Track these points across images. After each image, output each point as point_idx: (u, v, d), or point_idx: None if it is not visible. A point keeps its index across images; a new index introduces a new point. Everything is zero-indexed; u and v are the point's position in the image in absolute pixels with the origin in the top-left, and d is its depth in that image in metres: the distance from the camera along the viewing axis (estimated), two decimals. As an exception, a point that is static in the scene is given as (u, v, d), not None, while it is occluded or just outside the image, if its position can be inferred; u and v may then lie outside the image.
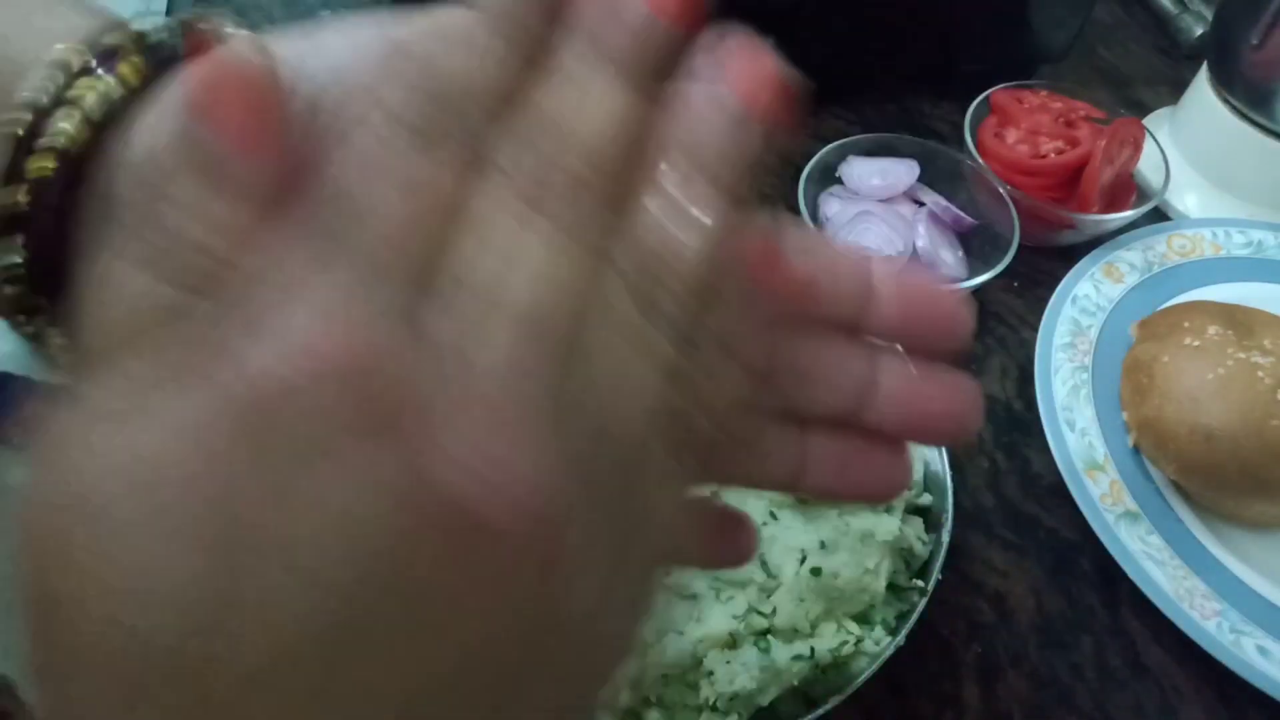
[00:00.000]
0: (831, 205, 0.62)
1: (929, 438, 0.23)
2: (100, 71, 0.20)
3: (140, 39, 0.21)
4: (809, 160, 0.60)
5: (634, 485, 0.15)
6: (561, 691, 0.15)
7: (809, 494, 0.22)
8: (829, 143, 0.62)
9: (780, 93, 0.18)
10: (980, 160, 0.62)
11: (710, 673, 0.40)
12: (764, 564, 0.41)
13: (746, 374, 0.18)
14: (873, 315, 0.21)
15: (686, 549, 0.20)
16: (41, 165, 0.19)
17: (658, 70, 0.17)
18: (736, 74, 0.18)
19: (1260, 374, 0.50)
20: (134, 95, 0.20)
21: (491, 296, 0.14)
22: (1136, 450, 0.53)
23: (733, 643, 0.40)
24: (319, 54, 0.18)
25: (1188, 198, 0.68)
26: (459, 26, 0.15)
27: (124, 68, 0.20)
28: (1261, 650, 0.47)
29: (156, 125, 0.19)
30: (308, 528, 0.12)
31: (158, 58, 0.21)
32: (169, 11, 0.71)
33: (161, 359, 0.13)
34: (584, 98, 0.16)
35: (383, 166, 0.14)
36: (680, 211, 0.16)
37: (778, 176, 0.67)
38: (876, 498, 0.22)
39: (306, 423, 0.12)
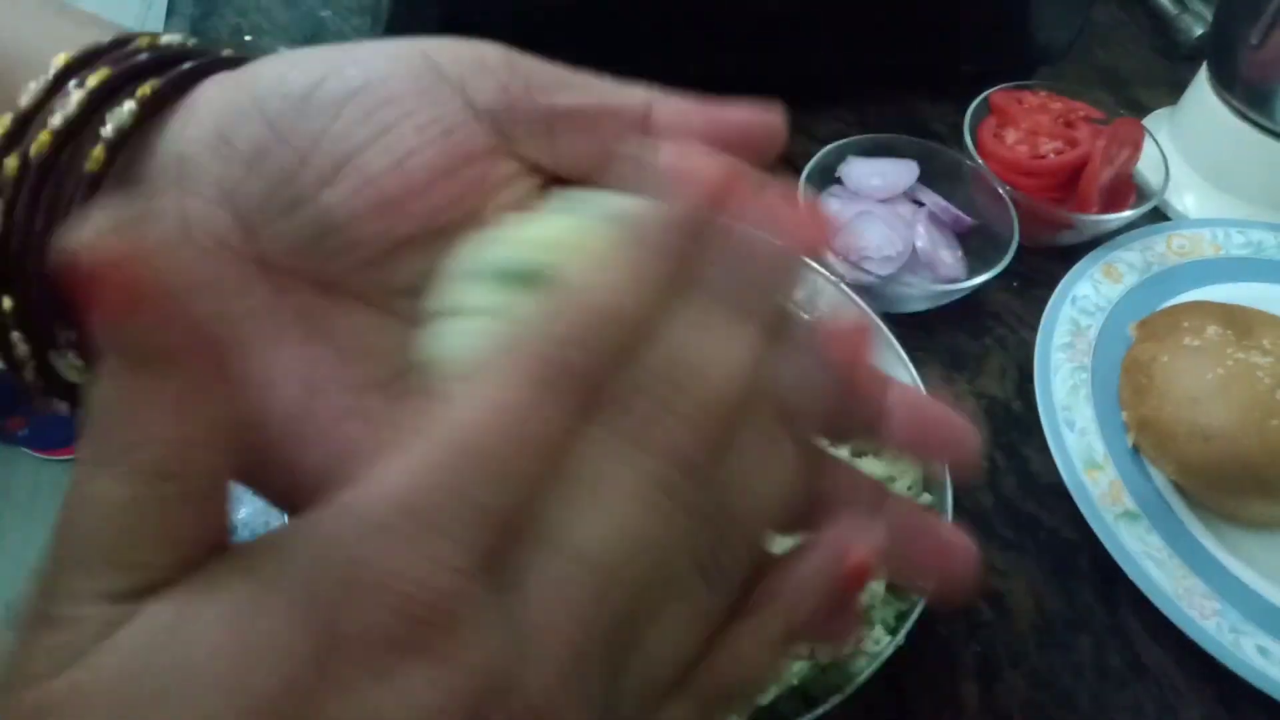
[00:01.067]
0: (831, 205, 0.62)
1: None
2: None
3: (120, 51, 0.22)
4: (809, 160, 0.60)
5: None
6: None
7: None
8: (829, 143, 0.62)
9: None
10: (980, 160, 0.62)
11: (710, 672, 0.40)
12: (764, 564, 0.42)
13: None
14: (884, 433, 0.22)
15: None
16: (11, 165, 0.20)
17: (782, 320, 0.18)
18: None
19: (1259, 374, 0.50)
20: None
21: (582, 561, 0.15)
22: (1136, 450, 0.53)
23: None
24: (355, 62, 0.20)
25: (1187, 198, 0.68)
26: (613, 248, 0.17)
27: (92, 79, 0.21)
28: (1261, 650, 0.47)
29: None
30: None
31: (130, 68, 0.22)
32: (169, 13, 0.71)
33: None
34: (717, 350, 0.17)
35: (508, 428, 0.15)
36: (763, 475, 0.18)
37: (778, 177, 0.67)
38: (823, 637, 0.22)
39: (381, 649, 0.14)
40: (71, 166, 0.20)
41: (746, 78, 0.71)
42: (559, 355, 0.15)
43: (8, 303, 0.20)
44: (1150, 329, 0.56)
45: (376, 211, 0.20)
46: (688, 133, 0.22)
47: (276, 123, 0.20)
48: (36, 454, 1.48)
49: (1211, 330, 0.52)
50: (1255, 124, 0.64)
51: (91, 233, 0.13)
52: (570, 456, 0.15)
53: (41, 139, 0.20)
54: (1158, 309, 0.59)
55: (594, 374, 0.15)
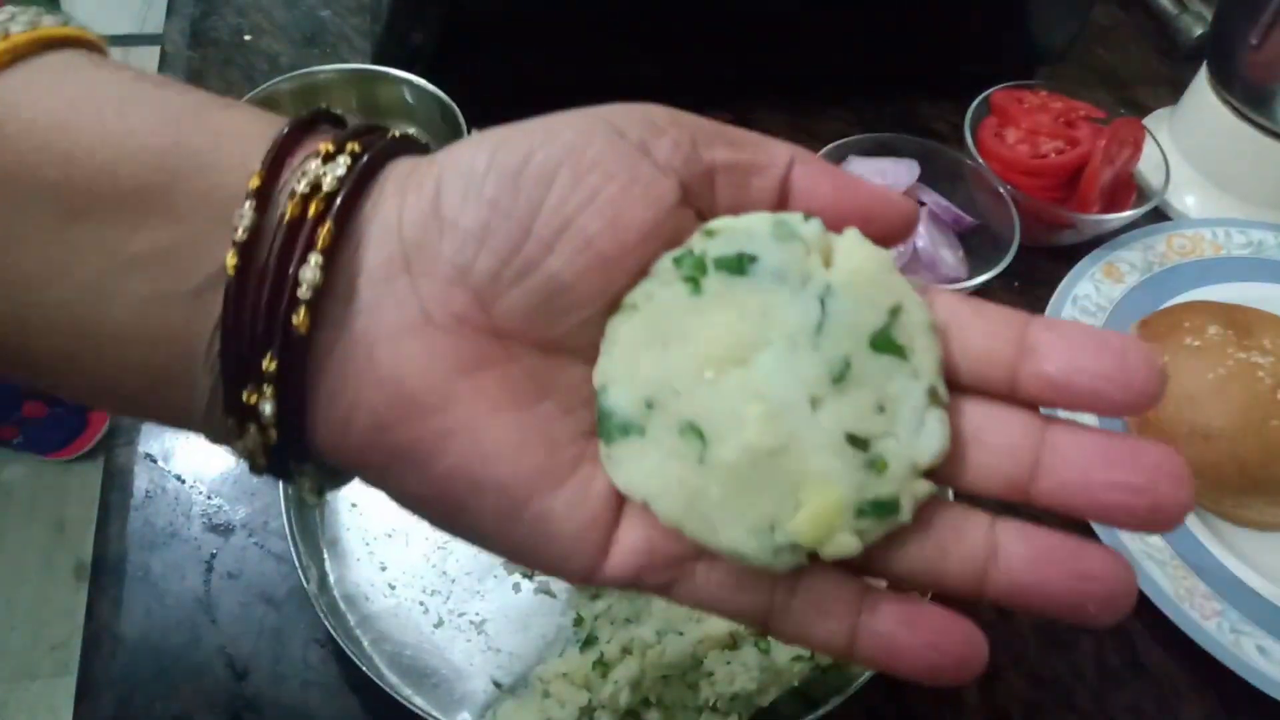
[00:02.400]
0: (831, 205, 0.62)
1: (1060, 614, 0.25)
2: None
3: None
4: (809, 160, 0.60)
5: None
6: None
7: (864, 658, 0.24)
8: (829, 142, 0.62)
9: None
10: (980, 160, 0.62)
11: (710, 673, 0.40)
12: (764, 564, 0.42)
13: None
14: (1028, 376, 0.23)
15: None
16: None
17: None
18: None
19: (1260, 374, 0.50)
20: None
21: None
22: (1136, 450, 0.53)
23: (733, 643, 0.41)
24: (551, 135, 0.23)
25: (1187, 198, 0.68)
26: None
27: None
28: (1261, 650, 0.47)
29: None
30: None
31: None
32: (169, 13, 0.71)
33: None
34: None
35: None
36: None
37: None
38: (939, 674, 0.23)
39: None
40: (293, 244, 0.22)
41: (748, 77, 0.71)
42: None
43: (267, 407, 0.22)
44: (1151, 329, 0.56)
45: (597, 271, 0.23)
46: (818, 197, 0.25)
47: (498, 200, 0.23)
48: (35, 456, 1.48)
49: (1212, 330, 0.52)
50: (1255, 124, 0.64)
51: None
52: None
53: (290, 209, 0.22)
54: (1158, 309, 0.59)
55: None
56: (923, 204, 0.62)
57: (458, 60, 0.63)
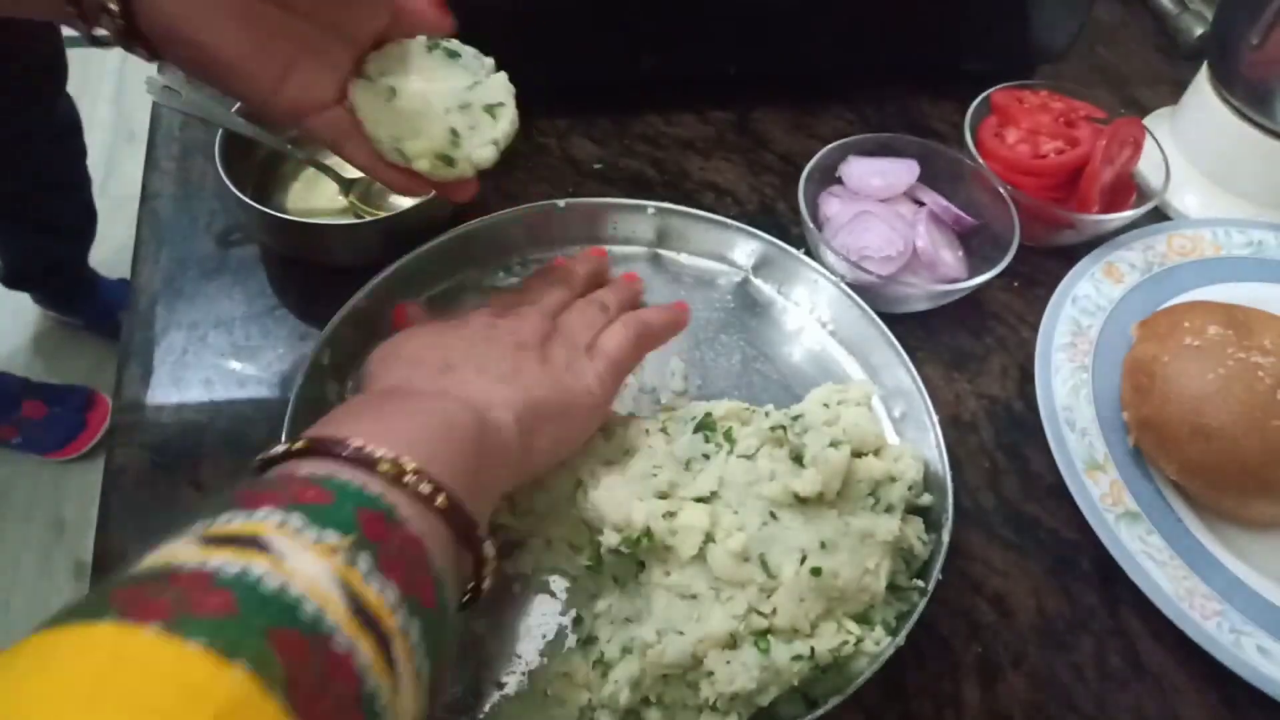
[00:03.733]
0: (831, 205, 0.62)
1: None
2: None
3: None
4: (809, 160, 0.60)
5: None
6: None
7: None
8: (829, 143, 0.62)
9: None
10: (980, 160, 0.62)
11: (710, 673, 0.40)
12: (764, 564, 0.41)
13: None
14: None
15: None
16: None
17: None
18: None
19: (1260, 374, 0.50)
20: None
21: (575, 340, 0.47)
22: (1137, 450, 0.53)
23: (733, 643, 0.40)
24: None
25: (1188, 198, 0.68)
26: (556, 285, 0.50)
27: None
28: (1262, 650, 0.47)
29: None
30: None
31: None
32: None
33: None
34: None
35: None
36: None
37: (778, 177, 0.67)
38: None
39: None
40: None
41: (748, 76, 0.71)
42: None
43: None
44: (1151, 329, 0.56)
45: None
46: None
47: None
48: (35, 456, 1.48)
49: (1212, 330, 0.52)
50: (1255, 124, 0.64)
51: None
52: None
53: None
54: (1159, 309, 0.59)
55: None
56: (922, 204, 0.62)
57: (458, 60, 0.63)
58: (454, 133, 0.47)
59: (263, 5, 0.38)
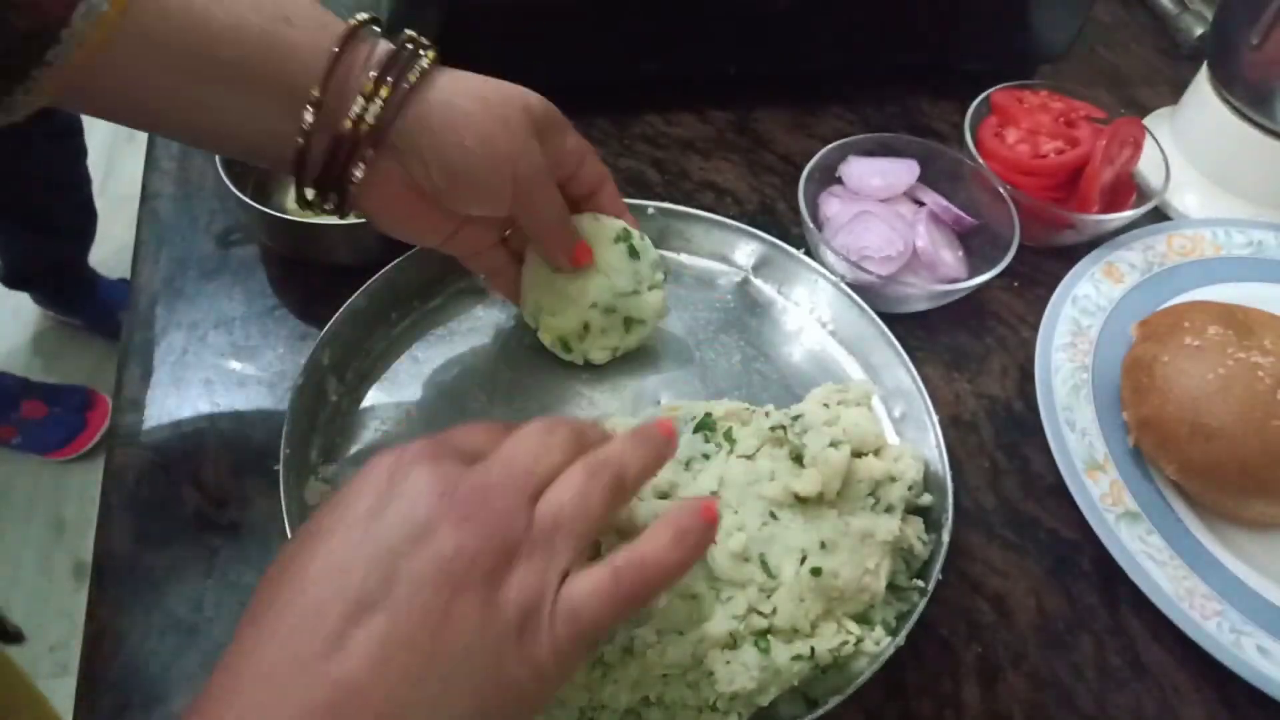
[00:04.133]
0: (831, 205, 0.62)
1: None
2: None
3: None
4: (809, 160, 0.60)
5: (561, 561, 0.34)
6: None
7: None
8: (829, 143, 0.62)
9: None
10: (980, 160, 0.62)
11: (710, 673, 0.40)
12: (764, 564, 0.41)
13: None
14: None
15: None
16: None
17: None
18: None
19: (1260, 374, 0.50)
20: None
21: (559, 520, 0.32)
22: (1136, 450, 0.53)
23: (733, 643, 0.40)
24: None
25: (1188, 198, 0.68)
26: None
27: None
28: (1261, 650, 0.47)
29: None
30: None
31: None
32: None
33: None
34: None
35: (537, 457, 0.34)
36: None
37: (778, 177, 0.67)
38: None
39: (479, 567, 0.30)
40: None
41: (749, 77, 0.71)
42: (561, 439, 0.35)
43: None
44: (1151, 329, 0.56)
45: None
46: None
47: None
48: (35, 456, 1.48)
49: (1212, 330, 0.52)
50: (1255, 124, 0.64)
51: None
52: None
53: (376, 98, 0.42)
54: (1158, 309, 0.59)
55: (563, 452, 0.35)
56: (922, 204, 0.62)
57: (458, 59, 0.63)
58: (586, 326, 0.50)
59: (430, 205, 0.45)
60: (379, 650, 0.27)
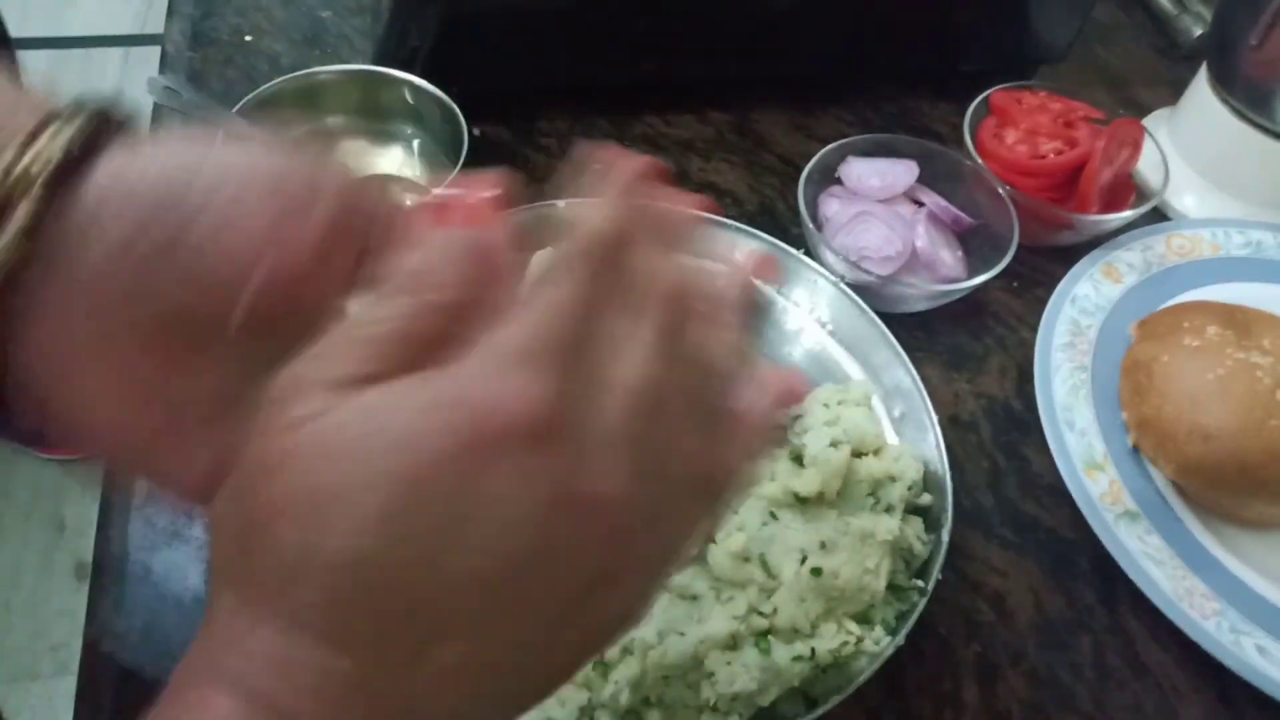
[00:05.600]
0: (831, 205, 0.62)
1: None
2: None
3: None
4: (809, 160, 0.60)
5: (682, 515, 0.24)
6: (588, 642, 0.23)
7: None
8: (829, 143, 0.62)
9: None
10: (979, 160, 0.62)
11: (711, 673, 0.40)
12: (764, 564, 0.42)
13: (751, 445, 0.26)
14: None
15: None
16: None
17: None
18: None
19: (1259, 374, 0.50)
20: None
21: (632, 389, 0.22)
22: (1136, 450, 0.53)
23: (733, 643, 0.41)
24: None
25: (1187, 198, 0.68)
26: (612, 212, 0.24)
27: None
28: (1261, 650, 0.47)
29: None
30: (509, 497, 0.20)
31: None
32: (170, 13, 0.71)
33: (423, 375, 0.20)
34: (668, 267, 0.25)
35: (585, 303, 0.22)
36: (718, 343, 0.25)
37: (778, 177, 0.67)
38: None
39: (520, 437, 0.20)
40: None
41: (748, 77, 0.72)
42: (593, 259, 0.23)
43: None
44: (1150, 329, 0.56)
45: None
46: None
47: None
48: (37, 454, 1.48)
49: (1211, 330, 0.52)
50: (1255, 124, 0.64)
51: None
52: (604, 328, 0.22)
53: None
54: (1158, 309, 0.59)
55: (611, 275, 0.23)
56: (922, 204, 0.62)
57: (458, 60, 0.63)
58: None
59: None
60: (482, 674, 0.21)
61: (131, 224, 0.24)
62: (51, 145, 0.24)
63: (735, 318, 0.27)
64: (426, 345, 0.21)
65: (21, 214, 0.23)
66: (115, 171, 0.24)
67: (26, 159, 0.23)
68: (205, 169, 0.25)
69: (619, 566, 0.22)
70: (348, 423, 0.20)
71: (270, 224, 0.24)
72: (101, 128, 0.25)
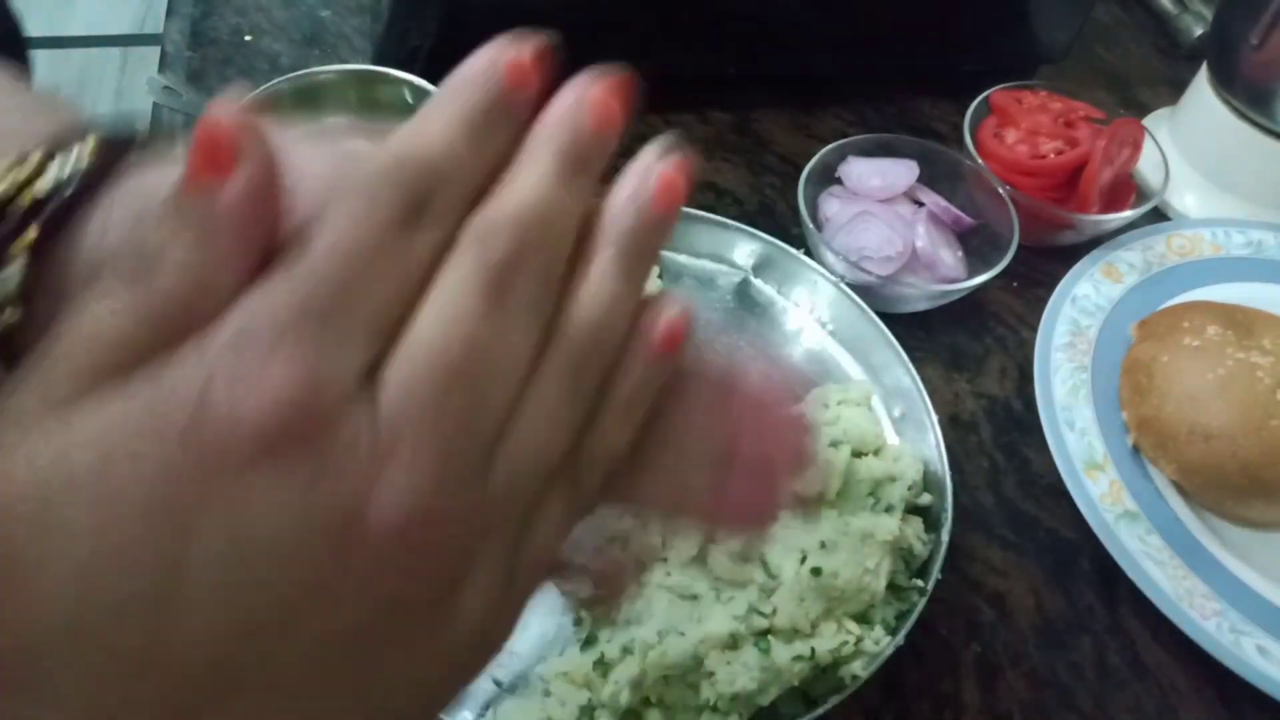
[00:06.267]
0: (831, 205, 0.62)
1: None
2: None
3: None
4: (809, 160, 0.60)
5: (530, 516, 0.18)
6: (428, 678, 0.19)
7: (691, 520, 0.23)
8: (829, 143, 0.62)
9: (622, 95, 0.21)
10: (980, 160, 0.62)
11: (711, 673, 0.40)
12: (764, 564, 0.42)
13: (631, 427, 0.20)
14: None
15: (563, 572, 0.22)
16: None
17: (595, 168, 0.20)
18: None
19: (1259, 374, 0.50)
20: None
21: (431, 355, 0.16)
22: (1136, 450, 0.53)
23: (733, 643, 0.41)
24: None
25: (1187, 198, 0.68)
26: (431, 129, 0.18)
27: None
28: (1261, 650, 0.47)
29: (133, 203, 0.19)
30: (246, 538, 0.15)
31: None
32: (169, 13, 0.71)
33: (127, 385, 0.15)
34: (532, 193, 0.18)
35: (362, 242, 0.16)
36: (600, 294, 0.19)
37: (778, 177, 0.67)
38: (747, 526, 0.22)
39: (253, 451, 0.15)
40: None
41: (748, 77, 0.71)
42: (394, 180, 0.17)
43: None
44: (1150, 329, 0.56)
45: None
46: None
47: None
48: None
49: (1211, 330, 0.52)
50: (1255, 124, 0.64)
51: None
52: (409, 270, 0.17)
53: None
54: (1158, 309, 0.59)
55: (420, 197, 0.17)
56: (922, 204, 0.62)
57: (458, 60, 0.63)
58: None
59: None
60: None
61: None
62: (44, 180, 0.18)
63: (633, 251, 0.19)
64: (163, 339, 0.16)
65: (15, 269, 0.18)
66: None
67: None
68: None
69: (418, 621, 0.17)
70: (32, 459, 0.15)
71: None
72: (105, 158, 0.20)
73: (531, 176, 0.18)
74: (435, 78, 0.61)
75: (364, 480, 0.15)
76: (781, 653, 0.40)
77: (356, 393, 0.16)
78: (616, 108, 0.20)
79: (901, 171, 0.62)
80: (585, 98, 0.20)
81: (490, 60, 0.19)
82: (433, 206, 0.17)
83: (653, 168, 0.20)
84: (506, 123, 0.19)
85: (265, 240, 0.16)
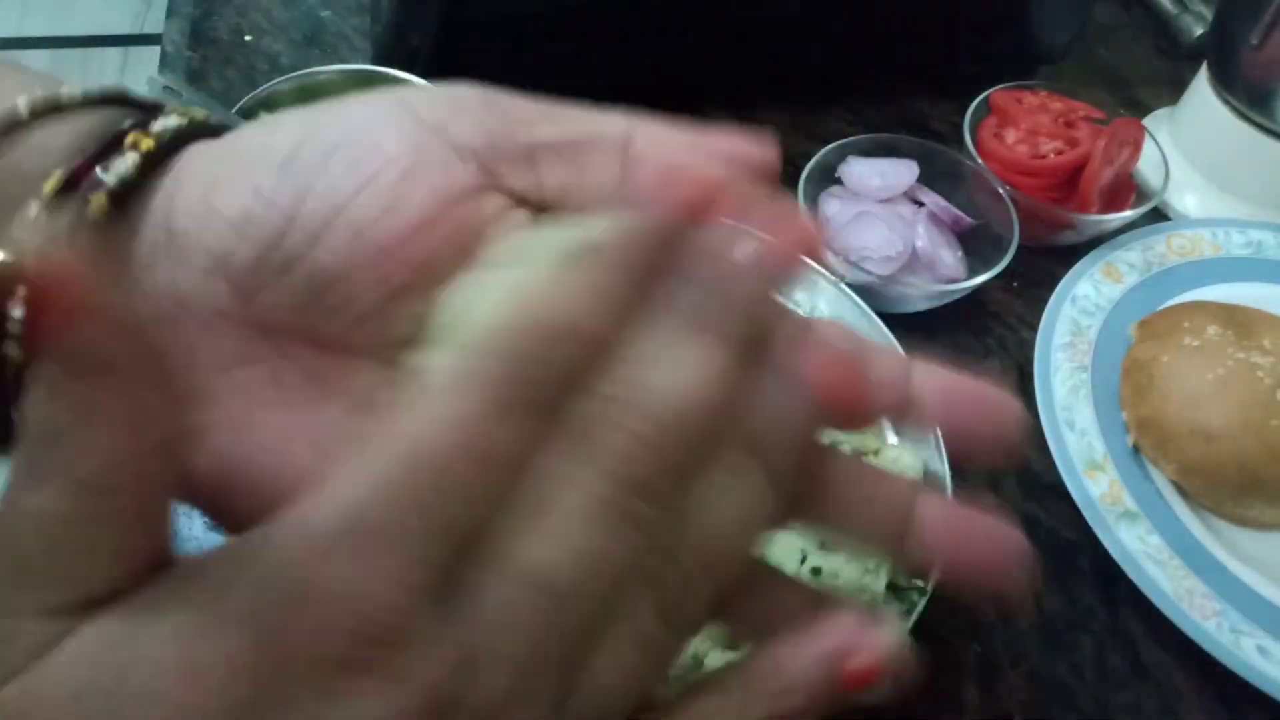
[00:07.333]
0: (831, 205, 0.62)
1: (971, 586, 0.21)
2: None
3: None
4: (809, 160, 0.60)
5: None
6: None
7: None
8: (829, 143, 0.62)
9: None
10: (980, 160, 0.62)
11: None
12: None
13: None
14: (913, 415, 0.21)
15: None
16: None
17: (758, 340, 0.17)
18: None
19: (1260, 374, 0.50)
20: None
21: (539, 582, 0.15)
22: (1136, 450, 0.53)
23: (733, 643, 0.40)
24: (333, 120, 0.21)
25: (1187, 198, 0.68)
26: (572, 265, 0.16)
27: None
28: (1261, 650, 0.47)
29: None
30: None
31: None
32: (169, 13, 0.71)
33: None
34: (679, 371, 0.16)
35: (465, 442, 0.15)
36: (731, 530, 0.17)
37: (778, 177, 0.67)
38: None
39: (305, 687, 0.14)
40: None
41: (748, 77, 0.71)
42: (514, 372, 0.15)
43: None
44: (1150, 329, 0.56)
45: (369, 261, 0.20)
46: (670, 159, 0.21)
47: (261, 187, 0.20)
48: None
49: (1212, 330, 0.52)
50: (1255, 124, 0.64)
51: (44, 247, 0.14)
52: (524, 477, 0.15)
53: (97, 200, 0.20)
54: (1158, 309, 0.59)
55: (548, 392, 0.15)
56: (922, 204, 0.62)
57: (458, 60, 0.63)
58: None
59: None
60: None
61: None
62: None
63: (786, 472, 0.17)
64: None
65: None
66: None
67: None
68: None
69: None
70: (60, 674, 0.13)
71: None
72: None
73: (695, 365, 0.16)
74: (435, 78, 0.61)
75: (443, 704, 0.14)
76: (781, 653, 0.40)
77: (448, 607, 0.14)
78: (800, 259, 0.17)
79: (901, 171, 0.62)
80: (765, 251, 0.16)
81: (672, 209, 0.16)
82: (556, 395, 0.15)
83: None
84: (657, 279, 0.16)
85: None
